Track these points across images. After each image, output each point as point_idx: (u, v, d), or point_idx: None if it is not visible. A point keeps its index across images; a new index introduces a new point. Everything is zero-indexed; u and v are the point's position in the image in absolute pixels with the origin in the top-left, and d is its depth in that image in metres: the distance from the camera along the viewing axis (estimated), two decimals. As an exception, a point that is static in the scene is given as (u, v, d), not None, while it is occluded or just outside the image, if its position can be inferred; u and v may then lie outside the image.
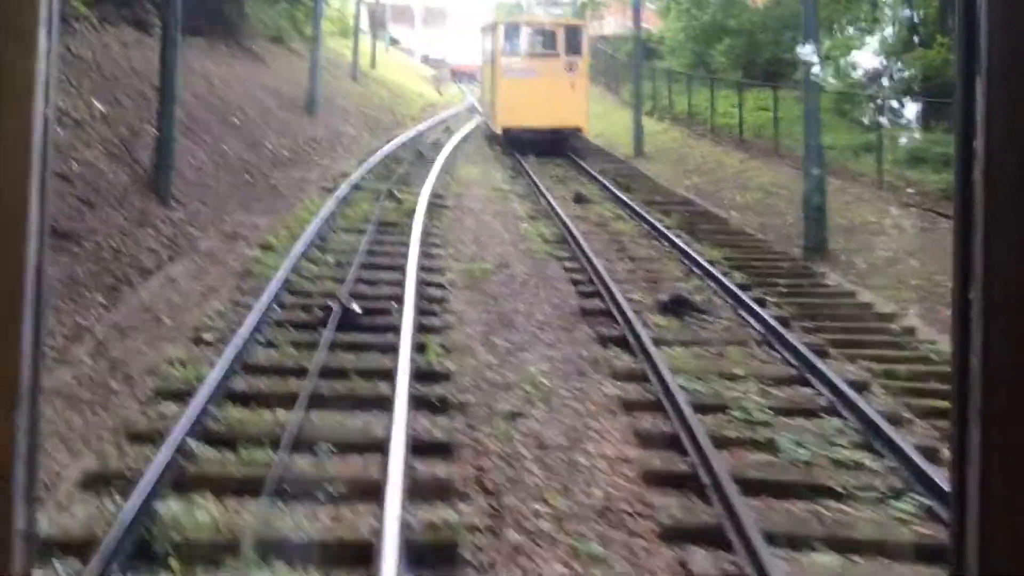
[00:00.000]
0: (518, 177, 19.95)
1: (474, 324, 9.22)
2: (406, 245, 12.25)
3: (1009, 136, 0.96)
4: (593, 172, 20.53)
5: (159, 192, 12.34)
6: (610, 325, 9.32)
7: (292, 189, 16.77)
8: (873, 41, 27.39)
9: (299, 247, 11.34)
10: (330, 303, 8.93)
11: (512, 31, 23.64)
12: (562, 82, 22.69)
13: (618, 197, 17.45)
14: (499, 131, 23.96)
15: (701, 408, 6.99)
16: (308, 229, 12.54)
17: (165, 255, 10.80)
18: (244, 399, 6.97)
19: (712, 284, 10.98)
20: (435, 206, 15.74)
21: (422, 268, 11.21)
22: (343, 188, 16.20)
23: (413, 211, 14.67)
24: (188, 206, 12.89)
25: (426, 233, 13.33)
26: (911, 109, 23.34)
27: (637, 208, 16.11)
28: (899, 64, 25.60)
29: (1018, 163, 0.96)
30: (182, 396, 6.74)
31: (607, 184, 18.92)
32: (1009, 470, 0.97)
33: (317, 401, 6.84)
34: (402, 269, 10.94)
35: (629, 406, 7.18)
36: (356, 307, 8.83)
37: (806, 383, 7.76)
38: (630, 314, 9.24)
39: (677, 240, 13.36)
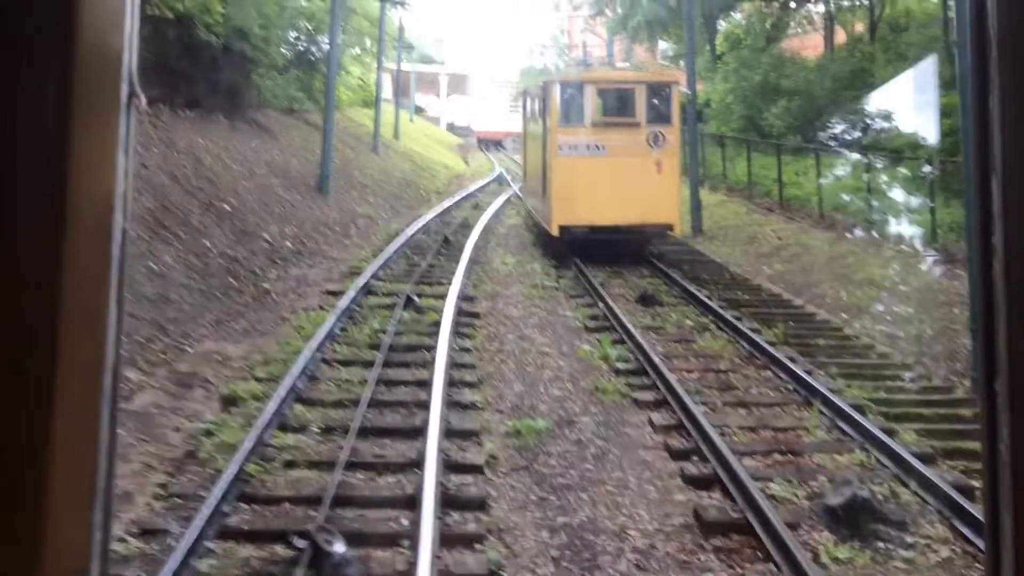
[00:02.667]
0: (562, 267, 16.48)
1: (532, 562, 5.65)
2: (427, 388, 8.83)
3: None
4: (650, 257, 17.07)
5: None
6: (758, 559, 5.71)
7: (288, 295, 13.45)
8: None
9: (272, 404, 7.89)
10: (298, 542, 5.40)
11: (571, 91, 16.98)
12: (644, 162, 16.40)
13: (691, 294, 13.92)
14: (554, 231, 16.78)
15: None
16: (294, 366, 9.13)
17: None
18: None
19: (891, 465, 7.27)
20: (465, 316, 12.31)
21: (448, 434, 7.73)
22: (351, 292, 12.85)
23: (437, 326, 11.25)
24: (134, 334, 9.55)
25: (454, 365, 9.87)
26: None
27: (721, 312, 12.57)
28: None
29: None
30: None
31: (672, 274, 15.42)
32: None
33: None
34: (420, 436, 7.48)
35: None
36: (342, 548, 5.29)
37: None
38: (784, 535, 5.64)
39: (795, 368, 9.77)
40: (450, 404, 8.55)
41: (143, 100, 1.11)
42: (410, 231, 20.02)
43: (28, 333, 0.94)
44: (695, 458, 7.46)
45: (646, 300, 13.58)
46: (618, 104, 17.20)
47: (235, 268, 13.80)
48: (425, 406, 8.38)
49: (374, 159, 31.98)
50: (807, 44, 36.29)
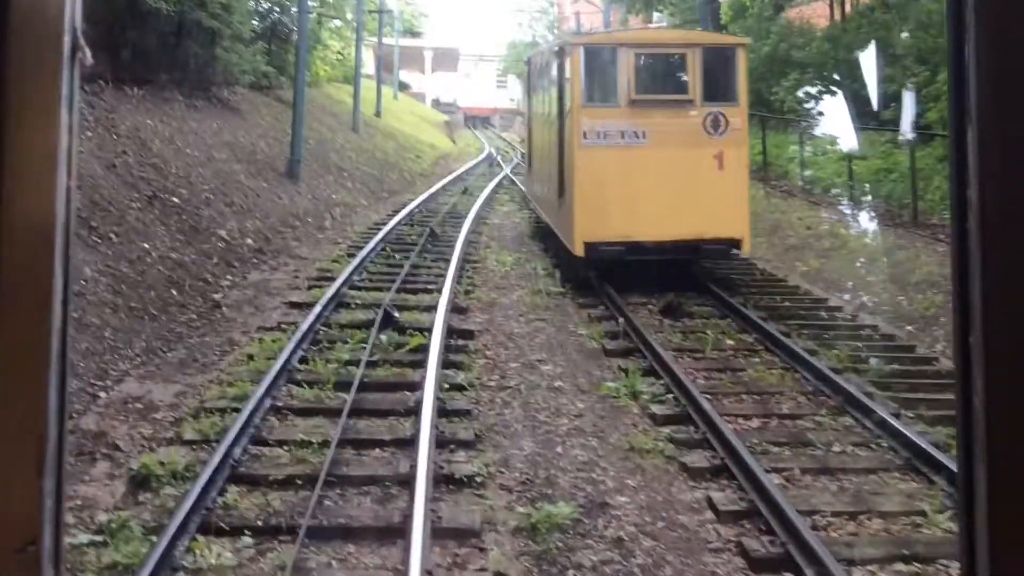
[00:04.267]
0: (569, 269, 14.16)
1: None
2: (409, 450, 6.69)
3: (1002, 184, 0.95)
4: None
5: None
6: None
7: (242, 309, 11.16)
8: None
9: (196, 488, 5.66)
10: None
11: (600, 58, 12.54)
12: (700, 155, 12.02)
13: (722, 300, 11.70)
14: (576, 250, 12.19)
15: None
16: (235, 420, 6.91)
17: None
18: None
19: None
20: (457, 337, 10.08)
21: (438, 534, 5.54)
22: (318, 305, 10.59)
23: (423, 352, 9.05)
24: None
25: (444, 413, 7.65)
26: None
27: (763, 325, 10.40)
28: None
29: (1010, 208, 0.96)
30: None
31: (694, 272, 13.13)
32: (1020, 470, 0.95)
33: None
34: (397, 540, 5.31)
35: None
36: None
37: None
38: None
39: (879, 410, 7.60)
40: (440, 479, 6.35)
41: (88, 54, 1.04)
42: (392, 222, 17.72)
43: None
44: (787, 574, 5.28)
45: (672, 311, 11.35)
46: (664, 75, 12.96)
47: (179, 276, 11.50)
48: (406, 482, 6.21)
49: (353, 139, 29.55)
50: (817, 12, 34.00)
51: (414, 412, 7.60)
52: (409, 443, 6.93)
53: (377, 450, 6.95)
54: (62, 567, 1.03)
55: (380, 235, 15.93)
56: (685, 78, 12.41)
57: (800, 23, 32.33)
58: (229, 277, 12.53)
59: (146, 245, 11.67)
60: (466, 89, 72.75)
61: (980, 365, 0.97)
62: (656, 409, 7.94)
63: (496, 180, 27.35)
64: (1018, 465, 0.95)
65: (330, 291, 11.42)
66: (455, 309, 11.36)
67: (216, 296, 11.52)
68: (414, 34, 69.06)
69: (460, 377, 8.65)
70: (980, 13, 0.96)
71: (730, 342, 10.18)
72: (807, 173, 21.53)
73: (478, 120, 65.72)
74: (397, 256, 14.53)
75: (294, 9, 27.10)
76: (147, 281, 10.75)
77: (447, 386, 8.36)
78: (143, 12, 17.75)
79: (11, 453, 0.97)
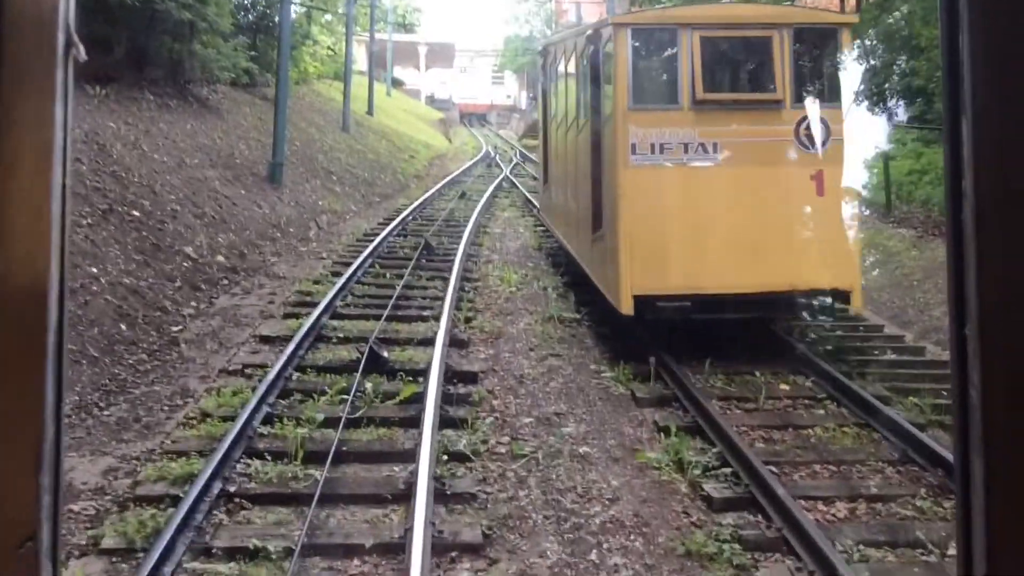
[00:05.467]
0: (581, 289, 12.36)
1: None
2: (397, 555, 5.07)
3: (996, 174, 0.96)
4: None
5: None
6: None
7: (204, 346, 9.48)
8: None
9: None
10: None
11: (653, 43, 9.78)
12: (792, 175, 9.03)
13: (765, 329, 9.91)
14: (623, 305, 8.94)
15: None
16: (176, 514, 5.27)
17: None
18: None
19: None
20: (457, 379, 8.42)
21: None
22: (292, 342, 8.93)
23: (417, 404, 7.44)
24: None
25: (443, 497, 6.00)
26: None
27: (818, 363, 8.75)
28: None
29: (1005, 198, 0.96)
30: None
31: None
32: (1015, 462, 0.95)
33: None
34: None
35: None
36: None
37: None
38: None
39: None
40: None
41: (82, 50, 1.03)
42: (383, 232, 16.06)
43: None
44: None
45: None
46: (742, 66, 9.87)
47: (131, 306, 9.83)
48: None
49: (343, 139, 27.85)
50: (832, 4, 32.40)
51: (405, 497, 5.96)
52: (397, 549, 5.28)
53: (355, 560, 5.29)
54: (59, 563, 1.03)
55: (370, 248, 14.27)
56: (771, 70, 9.31)
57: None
58: (193, 304, 10.85)
59: (94, 270, 10.00)
60: (462, 85, 71.06)
61: (976, 357, 0.96)
62: (711, 488, 6.28)
63: (495, 182, 25.68)
64: (1015, 457, 0.95)
65: (308, 321, 9.77)
66: (454, 342, 9.72)
67: (174, 329, 9.85)
68: (408, 29, 67.25)
69: (462, 442, 6.99)
70: (973, 4, 0.97)
71: (784, 386, 8.51)
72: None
73: (474, 117, 64.08)
74: (388, 275, 12.85)
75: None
76: (90, 315, 9.08)
77: (446, 456, 6.70)
78: (106, 3, 16.11)
79: (9, 451, 0.98)
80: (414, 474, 6.15)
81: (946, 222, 1.02)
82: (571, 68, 12.19)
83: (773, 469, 6.49)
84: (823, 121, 9.01)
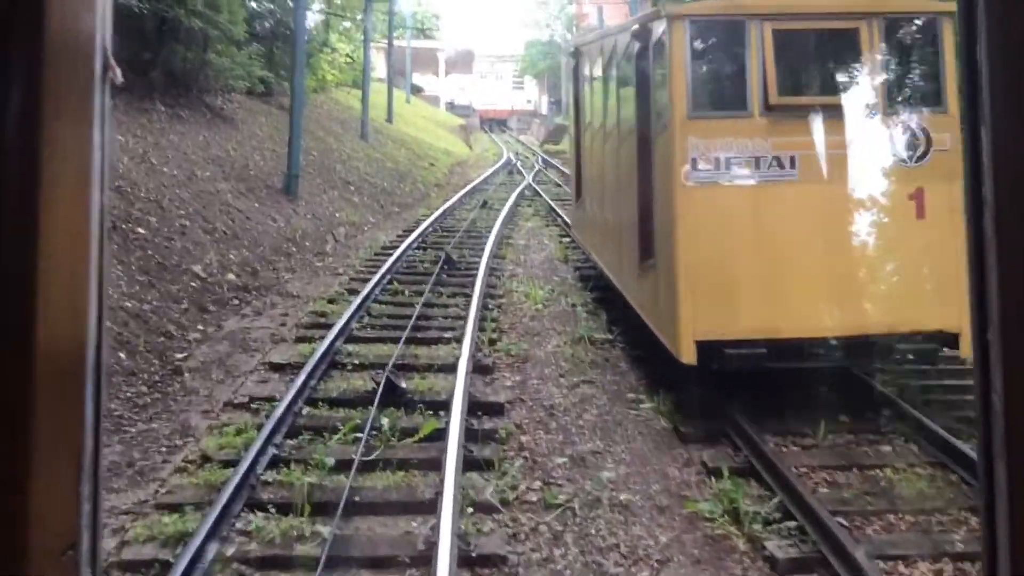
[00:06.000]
0: (613, 307, 11.56)
1: None
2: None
3: (1016, 181, 0.95)
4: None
5: None
6: None
7: (209, 375, 8.81)
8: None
9: None
10: None
11: (715, 39, 8.16)
12: (887, 194, 7.66)
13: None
14: (683, 353, 7.35)
15: None
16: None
17: None
18: None
19: None
20: (482, 412, 7.68)
21: None
22: (304, 371, 8.23)
23: (438, 443, 6.73)
24: None
25: (467, 562, 5.27)
26: None
27: (871, 391, 7.92)
28: None
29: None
30: None
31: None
32: None
33: None
34: None
35: None
36: None
37: None
38: None
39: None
40: None
41: (118, 73, 1.05)
42: (403, 244, 15.37)
43: (5, 311, 0.92)
44: None
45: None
46: (824, 64, 8.34)
47: (132, 332, 9.19)
48: None
49: (362, 147, 27.27)
50: None
51: (424, 560, 5.22)
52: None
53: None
54: (99, 570, 1.03)
55: (388, 263, 13.56)
56: (858, 69, 7.90)
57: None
58: (199, 328, 10.20)
59: (93, 293, 9.36)
60: (481, 91, 70.52)
61: (998, 362, 0.95)
62: (773, 547, 5.49)
63: (518, 190, 24.94)
64: None
65: (322, 346, 9.06)
66: (478, 368, 8.97)
67: (178, 357, 9.19)
68: (427, 35, 66.78)
69: (489, 489, 6.25)
70: (991, 12, 0.96)
71: (843, 417, 7.68)
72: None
73: (494, 123, 63.48)
74: (407, 292, 12.16)
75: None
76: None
77: (471, 507, 5.96)
78: (116, 10, 15.58)
79: (51, 461, 0.97)
80: (435, 531, 5.43)
81: (967, 229, 1.01)
82: (611, 70, 10.72)
83: (841, 520, 5.68)
84: (923, 129, 7.62)
